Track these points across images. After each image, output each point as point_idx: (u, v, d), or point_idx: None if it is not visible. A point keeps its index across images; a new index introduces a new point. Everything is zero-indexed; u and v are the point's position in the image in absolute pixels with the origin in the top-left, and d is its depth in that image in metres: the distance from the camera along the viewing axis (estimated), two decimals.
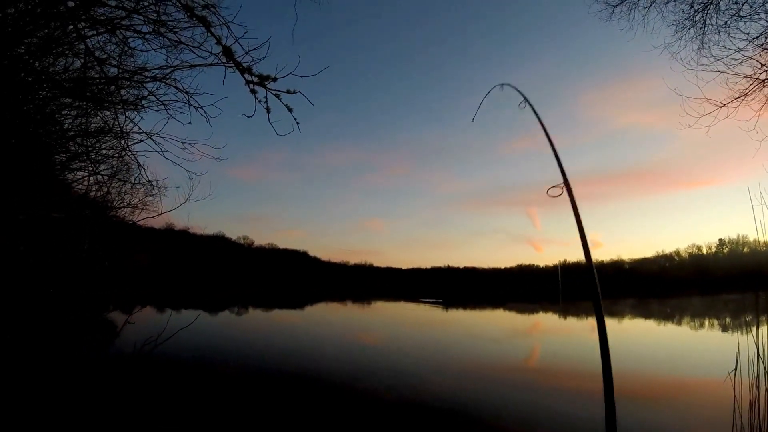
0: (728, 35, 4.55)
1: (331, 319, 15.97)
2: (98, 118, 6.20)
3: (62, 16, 3.71)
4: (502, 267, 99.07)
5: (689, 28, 4.86)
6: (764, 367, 2.68)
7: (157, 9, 3.95)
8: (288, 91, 3.39)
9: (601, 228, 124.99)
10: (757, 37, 4.35)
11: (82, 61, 4.68)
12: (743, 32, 4.44)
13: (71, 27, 3.93)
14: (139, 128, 5.65)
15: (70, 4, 3.70)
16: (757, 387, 2.70)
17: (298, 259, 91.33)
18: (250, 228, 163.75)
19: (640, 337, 12.93)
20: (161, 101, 5.05)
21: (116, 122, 5.63)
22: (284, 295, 31.68)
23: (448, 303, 31.21)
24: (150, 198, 9.90)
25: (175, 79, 4.69)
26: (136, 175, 7.75)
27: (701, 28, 4.76)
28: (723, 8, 4.58)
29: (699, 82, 4.69)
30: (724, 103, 4.62)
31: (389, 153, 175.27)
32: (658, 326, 15.42)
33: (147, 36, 4.27)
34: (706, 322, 15.46)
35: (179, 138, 5.27)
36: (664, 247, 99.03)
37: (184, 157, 5.32)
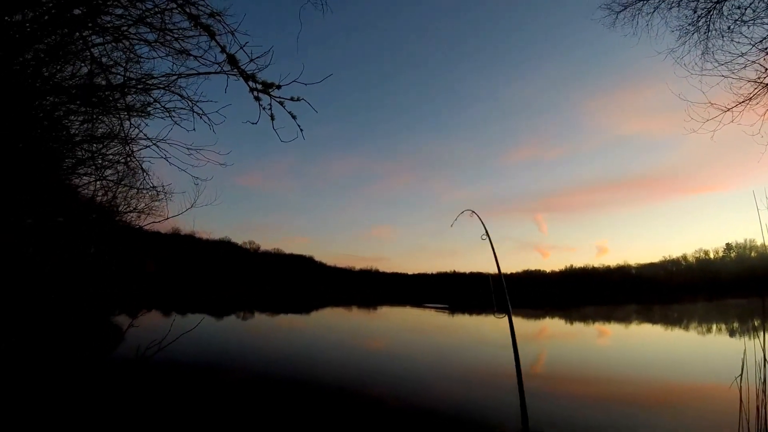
0: (732, 40, 4.54)
1: (337, 324, 15.97)
2: (104, 124, 6.29)
3: (69, 24, 3.77)
4: (509, 272, 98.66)
5: (693, 33, 4.85)
6: None
7: (163, 18, 4.01)
8: (292, 99, 3.43)
9: (608, 234, 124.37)
10: (760, 41, 4.34)
11: (89, 68, 4.75)
12: (747, 37, 4.43)
13: (78, 35, 3.99)
14: (144, 135, 5.71)
15: (77, 12, 3.76)
16: (764, 392, 2.67)
17: (304, 263, 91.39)
18: (256, 234, 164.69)
19: (646, 343, 12.83)
20: (166, 108, 5.11)
21: (122, 128, 5.71)
22: (290, 299, 31.70)
23: (454, 308, 31.10)
24: (156, 203, 9.98)
25: (180, 87, 4.74)
26: (141, 180, 7.85)
27: (705, 33, 4.76)
28: (726, 13, 4.58)
29: (703, 86, 4.69)
30: (729, 107, 4.60)
31: (395, 161, 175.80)
32: (665, 331, 15.28)
33: (153, 44, 4.32)
34: (713, 327, 15.31)
35: (184, 144, 5.32)
36: (671, 252, 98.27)
37: (190, 162, 5.38)
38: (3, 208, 4.64)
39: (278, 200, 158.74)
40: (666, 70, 5.32)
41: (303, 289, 60.77)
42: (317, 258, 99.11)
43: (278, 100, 3.45)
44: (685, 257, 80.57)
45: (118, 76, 5.02)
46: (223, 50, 3.58)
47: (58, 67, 4.72)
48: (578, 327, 17.69)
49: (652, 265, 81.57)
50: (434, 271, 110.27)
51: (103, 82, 5.20)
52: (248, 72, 3.53)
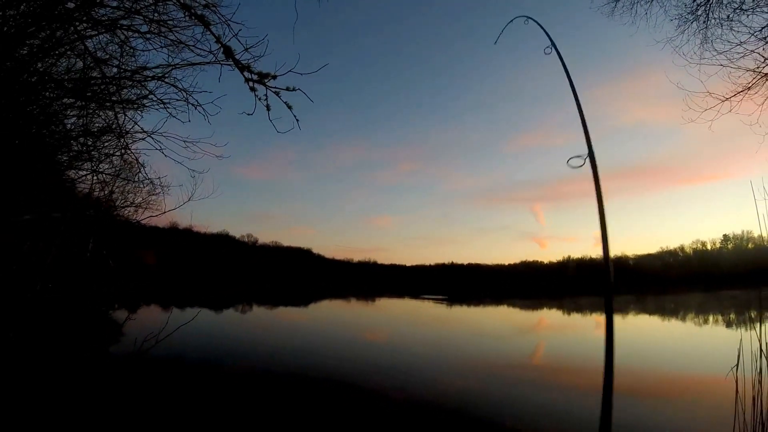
0: (731, 29, 4.51)
1: (334, 317, 16.01)
2: (100, 118, 6.24)
3: (63, 18, 3.73)
4: (507, 263, 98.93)
5: (692, 22, 4.82)
6: (767, 363, 2.68)
7: (157, 8, 3.97)
8: (288, 89, 3.39)
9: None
10: (759, 31, 4.31)
11: (84, 62, 4.72)
12: (746, 26, 4.40)
13: (72, 28, 3.95)
14: (140, 128, 5.69)
15: (70, 5, 3.72)
16: (760, 383, 2.69)
17: (302, 256, 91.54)
18: (256, 226, 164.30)
19: (642, 333, 12.91)
20: (161, 100, 5.07)
21: (116, 122, 5.66)
22: (287, 292, 31.78)
23: (453, 299, 31.25)
24: (153, 197, 9.98)
25: (175, 78, 4.71)
26: (138, 174, 7.81)
27: (704, 22, 4.73)
28: (725, 1, 4.55)
29: (702, 76, 4.66)
30: (727, 97, 4.59)
31: (396, 150, 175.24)
32: (662, 322, 15.40)
33: (147, 35, 4.29)
34: (710, 319, 15.41)
35: (181, 137, 5.28)
36: (668, 243, 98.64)
37: (186, 155, 5.35)
38: (1, 204, 4.62)
39: (278, 191, 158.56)
40: (665, 59, 5.30)
41: (301, 281, 60.89)
42: (315, 250, 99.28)
43: (274, 90, 3.42)
44: (682, 248, 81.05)
45: (113, 69, 4.98)
46: (218, 41, 3.55)
47: (53, 62, 4.68)
48: (575, 318, 17.78)
49: (649, 255, 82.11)
50: (432, 263, 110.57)
51: (98, 76, 5.16)
52: (243, 62, 3.50)
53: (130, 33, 4.33)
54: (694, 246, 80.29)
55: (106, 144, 6.95)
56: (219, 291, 25.24)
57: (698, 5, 4.72)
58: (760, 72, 4.39)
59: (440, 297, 34.18)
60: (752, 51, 4.36)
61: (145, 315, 10.15)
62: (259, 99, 3.45)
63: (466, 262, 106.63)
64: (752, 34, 4.33)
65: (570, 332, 11.98)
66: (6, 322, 4.53)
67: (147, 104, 5.42)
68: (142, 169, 6.96)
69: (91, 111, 6.16)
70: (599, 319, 16.84)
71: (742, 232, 74.03)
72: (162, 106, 5.06)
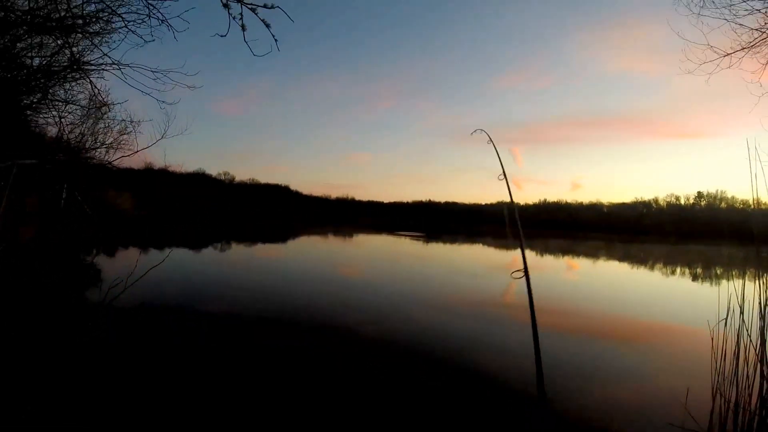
0: None
1: (309, 254, 16.29)
2: (66, 57, 5.84)
3: None
4: (483, 203, 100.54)
5: None
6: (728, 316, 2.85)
7: None
8: (265, 6, 3.09)
9: (584, 170, 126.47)
10: None
11: None
12: None
13: None
14: (109, 57, 5.32)
15: None
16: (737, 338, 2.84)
17: (280, 193, 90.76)
18: (233, 164, 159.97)
19: (613, 279, 13.71)
20: (119, 14, 4.61)
21: (79, 54, 5.28)
22: (265, 229, 31.86)
23: (429, 236, 32.05)
24: (125, 136, 9.60)
25: None
26: (107, 112, 7.45)
27: None
28: None
29: (704, 28, 4.52)
30: (728, 52, 4.51)
31: (376, 84, 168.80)
32: (631, 269, 16.28)
33: None
34: (678, 271, 16.27)
35: (149, 68, 4.93)
36: (643, 194, 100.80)
37: (156, 87, 5.02)
38: None
39: (255, 127, 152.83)
40: (663, 10, 5.13)
41: (279, 218, 60.97)
42: (293, 187, 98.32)
43: (250, 6, 3.11)
44: (656, 200, 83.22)
45: None
46: None
47: None
48: (547, 259, 18.54)
49: (623, 205, 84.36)
50: (410, 200, 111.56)
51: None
52: None
53: None
54: (668, 199, 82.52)
55: (73, 84, 6.59)
56: (196, 230, 25.10)
57: None
58: (765, 32, 4.30)
59: (417, 233, 34.97)
60: (758, 11, 4.24)
61: (120, 258, 10.10)
62: (233, 18, 3.15)
63: (443, 200, 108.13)
64: None
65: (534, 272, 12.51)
66: None
67: (110, 27, 4.98)
68: (111, 106, 6.65)
69: (55, 48, 5.77)
70: (570, 262, 17.57)
71: (716, 191, 76.33)
72: (125, 25, 4.64)
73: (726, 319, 2.83)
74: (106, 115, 7.99)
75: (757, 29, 4.31)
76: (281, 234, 27.47)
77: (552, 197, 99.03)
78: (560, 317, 6.29)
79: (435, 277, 10.74)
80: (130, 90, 5.19)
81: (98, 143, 9.61)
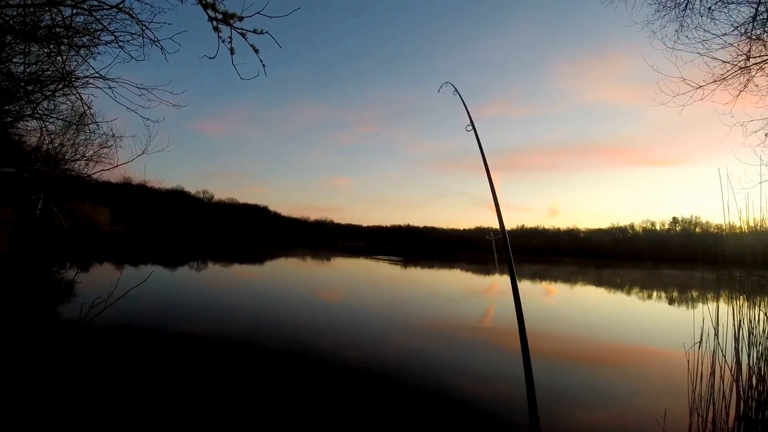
0: (711, 19, 4.53)
1: (287, 276, 16.08)
2: (52, 65, 5.77)
3: None
4: (461, 228, 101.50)
5: (672, 9, 4.79)
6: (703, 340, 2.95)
7: None
8: (255, 31, 3.13)
9: (561, 197, 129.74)
10: (741, 25, 4.38)
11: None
12: (727, 18, 4.44)
13: None
14: (95, 70, 5.29)
15: None
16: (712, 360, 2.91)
17: (258, 213, 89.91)
18: (213, 184, 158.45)
19: (590, 302, 13.89)
20: (112, 32, 4.60)
21: (66, 65, 5.24)
22: (243, 249, 31.36)
23: (407, 261, 32.03)
24: (105, 149, 9.48)
25: (131, 8, 4.30)
26: (89, 124, 7.33)
27: (683, 10, 4.71)
28: None
29: (677, 61, 4.72)
30: (701, 85, 4.65)
31: (358, 110, 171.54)
32: (608, 294, 16.54)
33: None
34: (654, 295, 16.61)
35: (135, 83, 4.91)
36: (619, 220, 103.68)
37: (141, 103, 4.98)
38: None
39: (236, 148, 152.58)
40: (639, 43, 5.42)
41: (257, 239, 60.15)
42: (272, 208, 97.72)
43: (240, 31, 3.17)
44: (632, 226, 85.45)
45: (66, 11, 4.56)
46: None
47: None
48: (525, 284, 18.72)
49: (600, 230, 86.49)
50: (389, 224, 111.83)
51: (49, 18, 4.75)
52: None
53: None
54: (644, 225, 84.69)
55: (57, 93, 6.49)
56: (174, 248, 24.55)
57: None
58: (736, 65, 4.48)
59: (396, 258, 34.91)
60: (731, 44, 4.44)
61: (98, 273, 9.79)
62: (223, 41, 3.20)
63: (421, 225, 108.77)
64: (734, 27, 4.40)
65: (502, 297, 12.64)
66: None
67: (98, 40, 4.97)
68: (93, 118, 6.55)
69: (42, 57, 5.71)
70: (548, 287, 17.80)
71: (691, 216, 79.21)
72: (114, 40, 4.63)
73: (701, 341, 2.93)
74: (87, 127, 7.89)
75: (729, 62, 4.50)
76: (260, 255, 27.08)
77: (530, 223, 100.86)
78: (539, 341, 6.34)
79: (412, 300, 10.73)
80: (113, 104, 5.15)
81: (78, 155, 9.44)
